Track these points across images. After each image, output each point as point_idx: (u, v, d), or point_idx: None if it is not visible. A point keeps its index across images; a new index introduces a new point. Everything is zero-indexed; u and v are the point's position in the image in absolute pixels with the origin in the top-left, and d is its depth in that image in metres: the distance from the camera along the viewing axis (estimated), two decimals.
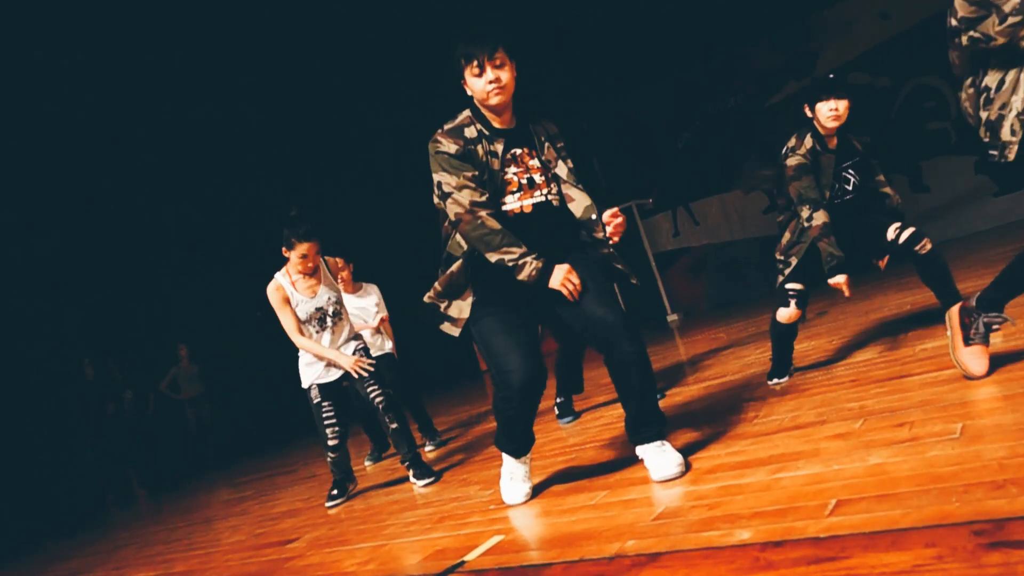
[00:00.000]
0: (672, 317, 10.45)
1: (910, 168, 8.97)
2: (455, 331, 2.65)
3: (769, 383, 3.37)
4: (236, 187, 9.59)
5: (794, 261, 3.22)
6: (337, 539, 3.18)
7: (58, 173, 9.23)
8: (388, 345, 5.31)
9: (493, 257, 2.47)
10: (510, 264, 2.46)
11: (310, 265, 3.85)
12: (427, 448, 5.16)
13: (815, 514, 1.67)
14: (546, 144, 2.66)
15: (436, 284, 2.66)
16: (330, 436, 3.90)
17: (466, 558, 2.24)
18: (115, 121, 8.98)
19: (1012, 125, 2.24)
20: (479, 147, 2.55)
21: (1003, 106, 2.26)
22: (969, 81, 2.37)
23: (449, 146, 2.52)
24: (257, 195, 9.50)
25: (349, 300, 5.04)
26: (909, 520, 1.49)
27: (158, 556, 4.28)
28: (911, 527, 1.45)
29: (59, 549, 6.25)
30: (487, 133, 2.57)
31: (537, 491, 2.78)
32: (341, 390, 4.02)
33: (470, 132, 2.56)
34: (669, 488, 2.26)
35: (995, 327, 2.38)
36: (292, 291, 3.90)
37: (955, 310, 2.46)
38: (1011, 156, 2.25)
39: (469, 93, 2.59)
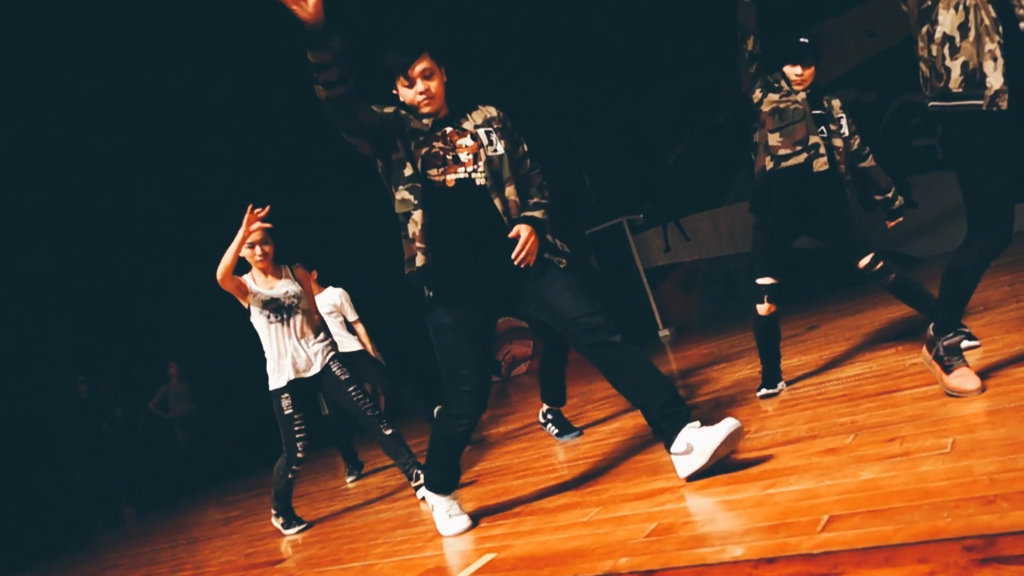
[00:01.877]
0: (664, 332, 10.47)
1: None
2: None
3: (758, 395, 3.37)
4: (229, 202, 9.58)
5: (763, 260, 3.29)
6: (328, 559, 3.15)
7: (48, 190, 9.18)
8: (357, 343, 5.32)
9: None
10: None
11: (262, 262, 3.86)
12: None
13: (808, 530, 1.67)
14: (482, 130, 2.63)
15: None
16: (299, 449, 3.83)
17: None
18: (104, 139, 8.97)
19: (1000, 71, 2.23)
20: (397, 110, 2.60)
21: (979, 52, 2.23)
22: (925, 29, 2.33)
23: (380, 106, 2.56)
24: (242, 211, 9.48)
25: (318, 301, 5.11)
26: (901, 536, 1.49)
27: None
28: (904, 543, 1.45)
29: (47, 570, 6.17)
30: (407, 115, 2.64)
31: (528, 508, 2.76)
32: (311, 398, 3.96)
33: (404, 113, 2.62)
34: (661, 504, 2.25)
35: (962, 345, 2.42)
36: (251, 282, 3.91)
37: (923, 350, 2.52)
38: (1004, 104, 2.25)
39: (401, 99, 2.64)
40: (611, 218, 11.06)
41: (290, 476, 3.91)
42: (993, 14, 2.23)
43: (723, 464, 2.44)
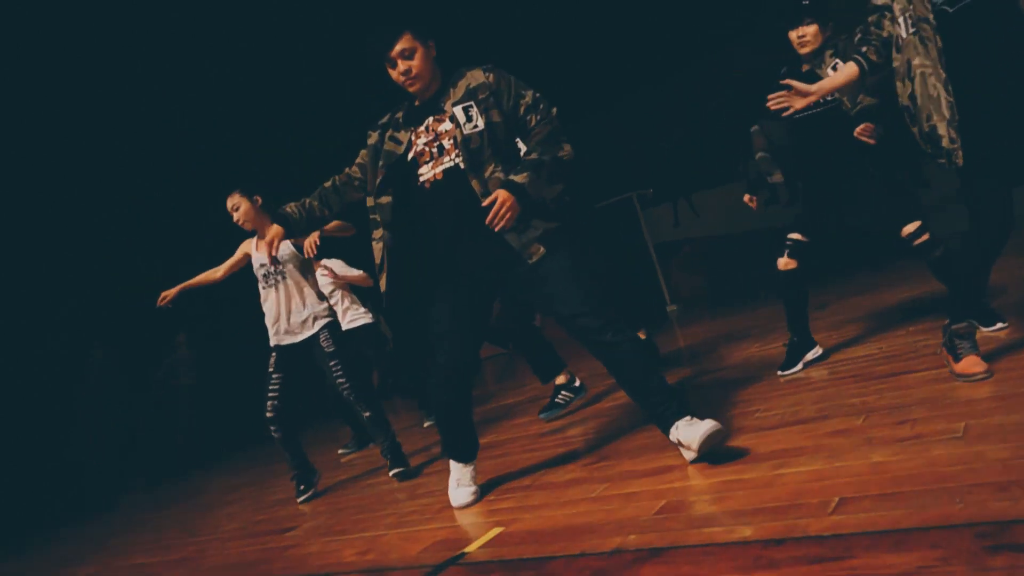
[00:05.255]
0: (671, 307, 10.45)
1: (910, 163, 8.95)
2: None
3: (780, 373, 3.34)
4: (240, 164, 9.59)
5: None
6: (336, 528, 3.18)
7: (58, 154, 9.16)
8: (366, 317, 5.26)
9: None
10: None
11: (238, 220, 3.89)
12: (426, 424, 5.16)
13: (817, 512, 1.67)
14: (460, 106, 2.56)
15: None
16: (267, 408, 3.85)
17: (466, 550, 2.25)
18: (111, 106, 8.92)
19: (949, 134, 2.27)
20: (381, 132, 2.71)
21: (928, 117, 2.31)
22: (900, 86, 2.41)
23: (368, 134, 2.77)
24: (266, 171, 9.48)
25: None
26: (912, 520, 1.49)
27: (156, 542, 4.29)
28: (915, 527, 1.45)
29: (59, 536, 6.27)
30: (398, 117, 2.70)
31: (537, 483, 2.78)
32: (302, 365, 3.92)
33: (384, 119, 2.75)
34: (670, 482, 2.25)
35: (971, 332, 2.40)
36: (253, 247, 3.99)
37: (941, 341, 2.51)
38: (960, 160, 2.27)
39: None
40: (621, 192, 10.98)
41: (275, 436, 3.88)
42: (943, 74, 2.26)
43: (732, 443, 2.45)
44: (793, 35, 3.19)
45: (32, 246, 9.52)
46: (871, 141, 3.01)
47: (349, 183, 2.79)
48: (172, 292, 4.01)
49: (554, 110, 2.60)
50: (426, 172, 2.59)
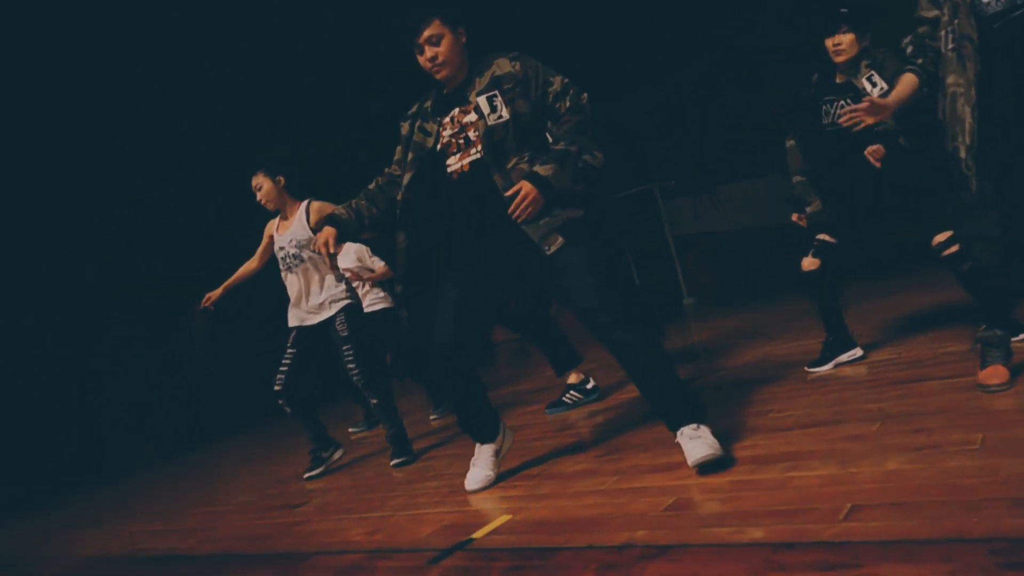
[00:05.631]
0: (688, 300, 10.40)
1: (943, 173, 8.82)
2: None
3: (808, 369, 3.33)
4: (264, 132, 9.63)
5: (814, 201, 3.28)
6: (346, 506, 3.21)
7: (79, 121, 9.21)
8: (385, 302, 5.25)
9: None
10: None
11: (260, 200, 3.91)
12: (431, 416, 5.17)
13: (829, 517, 1.66)
14: (484, 96, 2.53)
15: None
16: (275, 382, 3.88)
17: (474, 536, 2.26)
18: (138, 70, 8.95)
19: (967, 160, 2.26)
20: (411, 123, 2.70)
21: (953, 137, 2.29)
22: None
23: (400, 125, 2.77)
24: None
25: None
26: (925, 532, 1.47)
27: (168, 510, 4.35)
28: (927, 539, 1.44)
29: (74, 499, 6.37)
30: (427, 107, 2.68)
31: (546, 472, 2.78)
32: (320, 345, 3.93)
33: (413, 109, 2.73)
34: (680, 479, 2.25)
35: (1002, 341, 2.36)
36: (275, 229, 4.01)
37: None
38: (974, 187, 2.27)
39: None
40: (642, 183, 10.92)
41: (286, 411, 3.91)
42: (973, 97, 2.25)
43: (744, 443, 2.44)
44: (829, 43, 3.13)
45: (55, 215, 9.61)
46: (876, 164, 2.97)
47: (391, 182, 2.76)
48: (216, 293, 4.06)
49: (584, 97, 2.55)
50: (454, 163, 2.58)
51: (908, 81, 2.44)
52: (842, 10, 3.11)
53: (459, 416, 2.85)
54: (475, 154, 2.53)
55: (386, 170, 2.79)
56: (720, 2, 9.53)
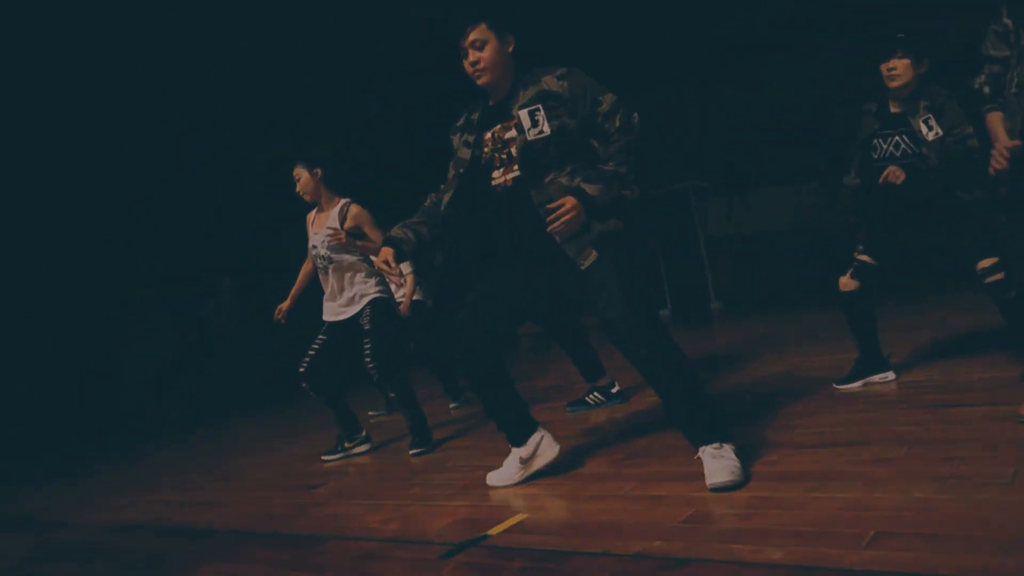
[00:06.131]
0: (715, 304, 10.31)
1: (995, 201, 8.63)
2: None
3: (836, 386, 3.28)
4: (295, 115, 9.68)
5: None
6: (363, 491, 3.24)
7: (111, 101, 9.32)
8: (416, 294, 5.26)
9: None
10: None
11: (298, 191, 3.94)
12: (451, 406, 5.19)
13: (852, 543, 1.63)
14: (526, 110, 2.48)
15: None
16: (301, 364, 3.92)
17: (489, 532, 2.26)
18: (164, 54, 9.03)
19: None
20: (460, 137, 2.70)
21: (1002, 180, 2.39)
22: None
23: (450, 139, 2.76)
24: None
25: None
26: (949, 567, 1.44)
27: (188, 483, 4.41)
28: (951, 575, 1.41)
29: (98, 468, 6.49)
30: (474, 118, 2.68)
31: (566, 472, 2.77)
32: (351, 337, 3.94)
33: (461, 121, 2.73)
34: (700, 490, 2.23)
35: None
36: (311, 223, 4.01)
37: None
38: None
39: None
40: (677, 181, 10.82)
41: (311, 394, 3.95)
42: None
43: (767, 458, 2.41)
44: (883, 67, 3.07)
45: (91, 192, 9.76)
46: (897, 181, 2.92)
47: (441, 200, 2.74)
48: (286, 304, 4.12)
49: (635, 116, 2.50)
50: (497, 177, 2.57)
51: (999, 119, 2.44)
52: (899, 35, 3.04)
53: (485, 410, 2.83)
54: (517, 171, 2.53)
55: (441, 186, 2.76)
56: (780, 5, 9.36)
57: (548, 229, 2.39)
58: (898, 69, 3.04)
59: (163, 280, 9.98)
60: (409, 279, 5.08)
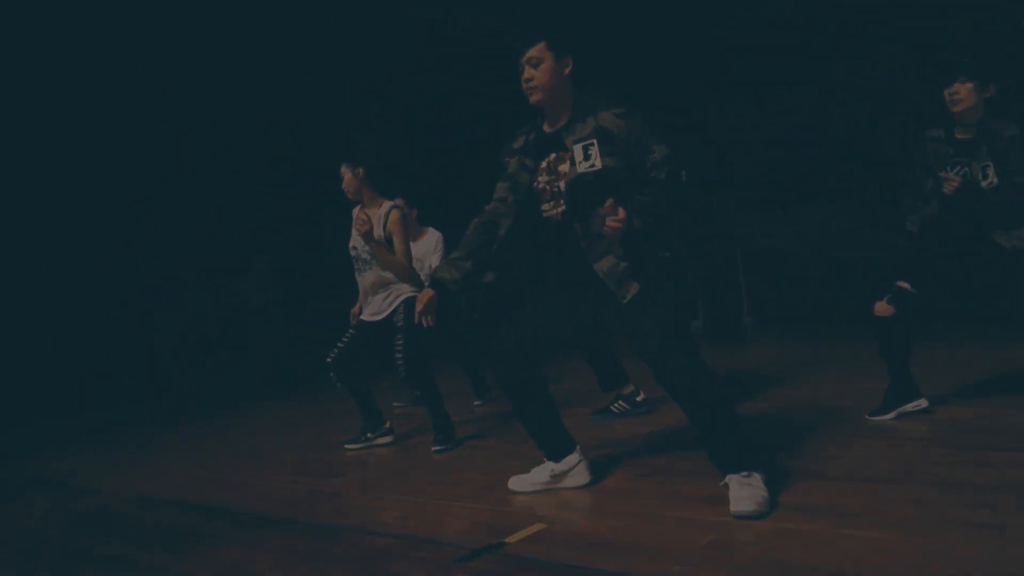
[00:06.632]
0: (748, 319, 10.17)
1: None
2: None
3: (868, 417, 3.21)
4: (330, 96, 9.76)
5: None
6: (381, 485, 3.24)
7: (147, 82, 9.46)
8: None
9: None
10: None
11: (344, 188, 3.97)
12: (476, 403, 5.19)
13: None
14: (581, 144, 2.47)
15: None
16: (329, 354, 3.95)
17: (506, 540, 2.25)
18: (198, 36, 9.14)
19: None
20: (518, 160, 2.66)
21: None
22: None
23: (506, 161, 2.72)
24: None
25: (414, 248, 5.01)
26: None
27: (210, 462, 4.47)
28: None
29: (125, 438, 6.60)
30: (531, 140, 2.65)
31: (587, 485, 2.74)
32: (384, 335, 3.94)
33: (519, 143, 2.70)
34: (723, 515, 2.19)
35: None
36: (354, 221, 3.95)
37: None
38: None
39: None
40: (718, 190, 10.69)
41: (336, 384, 3.98)
42: None
43: (794, 487, 2.36)
44: (946, 92, 3.00)
45: (129, 172, 9.95)
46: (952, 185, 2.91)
47: (494, 222, 2.70)
48: (357, 308, 4.15)
49: (684, 174, 2.48)
50: (548, 209, 2.56)
51: None
52: (964, 59, 2.97)
53: (525, 427, 2.78)
54: (563, 205, 2.52)
55: (486, 208, 2.73)
56: (840, 21, 9.18)
57: (604, 228, 2.34)
58: (961, 94, 2.96)
59: (202, 256, 10.12)
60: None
